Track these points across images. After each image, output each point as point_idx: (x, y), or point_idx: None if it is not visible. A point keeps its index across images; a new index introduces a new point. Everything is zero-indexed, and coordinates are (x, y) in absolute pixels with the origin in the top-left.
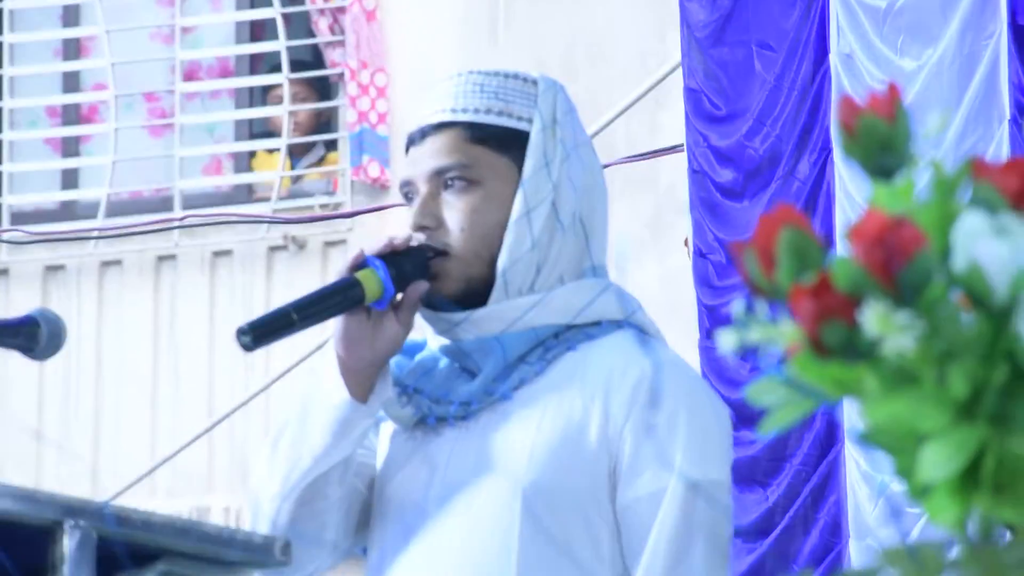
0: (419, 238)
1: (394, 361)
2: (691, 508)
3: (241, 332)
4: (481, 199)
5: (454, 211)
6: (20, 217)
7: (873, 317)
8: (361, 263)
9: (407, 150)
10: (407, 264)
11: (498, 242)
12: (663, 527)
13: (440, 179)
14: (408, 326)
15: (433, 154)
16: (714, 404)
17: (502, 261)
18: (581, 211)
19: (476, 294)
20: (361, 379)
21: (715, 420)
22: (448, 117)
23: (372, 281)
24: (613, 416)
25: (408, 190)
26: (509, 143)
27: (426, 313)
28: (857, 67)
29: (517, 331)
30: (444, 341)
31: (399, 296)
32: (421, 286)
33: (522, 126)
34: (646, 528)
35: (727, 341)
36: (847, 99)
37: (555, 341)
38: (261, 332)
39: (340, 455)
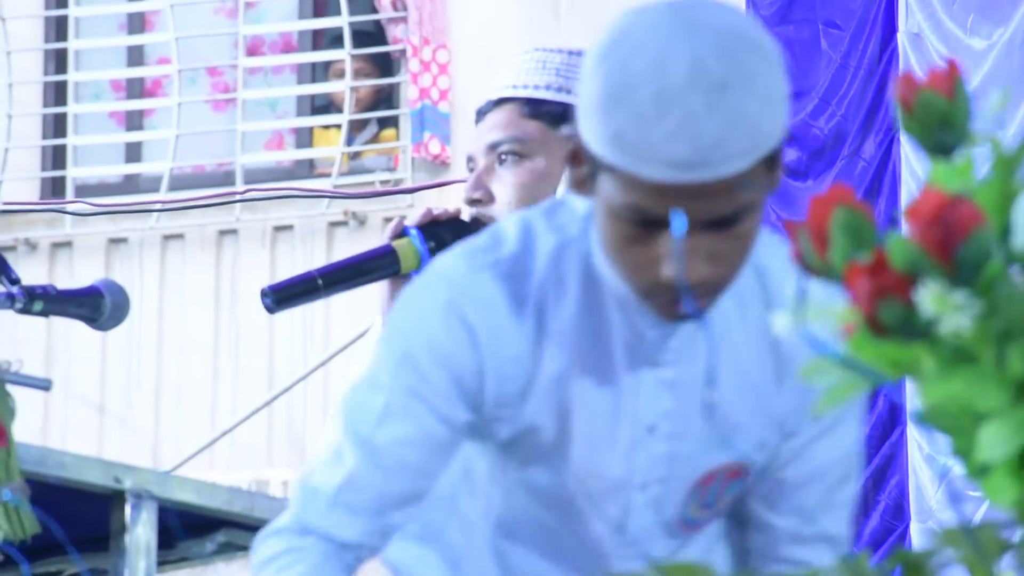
0: (470, 211)
1: None
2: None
3: (263, 294)
4: (531, 174)
5: (504, 185)
6: (84, 190)
7: (929, 296)
8: (400, 233)
9: (476, 125)
10: (448, 235)
11: None
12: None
13: (495, 153)
14: None
15: (490, 129)
16: None
17: None
18: None
19: None
20: None
21: None
22: (508, 93)
23: (409, 251)
24: None
25: (471, 165)
26: (566, 119)
27: None
28: (925, 46)
29: None
30: None
31: None
32: None
33: None
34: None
35: (782, 322)
36: (907, 75)
37: None
38: (284, 295)
39: None
